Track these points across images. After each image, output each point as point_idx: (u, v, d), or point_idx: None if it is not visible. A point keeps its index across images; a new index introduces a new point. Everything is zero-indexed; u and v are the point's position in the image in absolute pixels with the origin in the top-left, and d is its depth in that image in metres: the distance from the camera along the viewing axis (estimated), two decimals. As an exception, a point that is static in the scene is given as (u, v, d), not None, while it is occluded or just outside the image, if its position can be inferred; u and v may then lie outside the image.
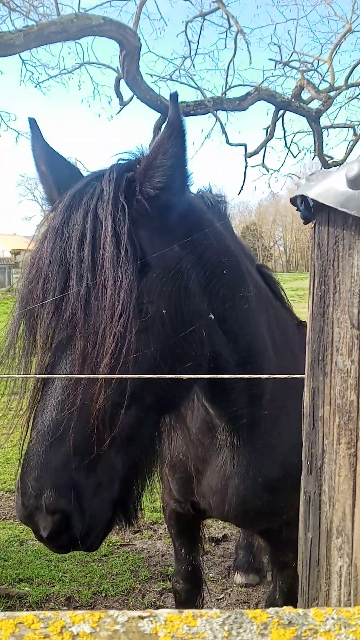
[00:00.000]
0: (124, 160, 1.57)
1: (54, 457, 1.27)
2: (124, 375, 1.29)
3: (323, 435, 0.67)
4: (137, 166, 1.51)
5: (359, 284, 0.67)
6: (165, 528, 4.52)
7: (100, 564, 3.98)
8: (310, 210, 0.71)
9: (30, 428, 1.36)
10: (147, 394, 1.42)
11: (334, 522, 0.65)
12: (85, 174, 1.60)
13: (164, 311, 1.44)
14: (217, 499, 2.19)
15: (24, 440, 1.37)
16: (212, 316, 1.64)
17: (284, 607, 0.49)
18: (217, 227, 1.74)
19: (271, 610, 0.50)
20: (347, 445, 0.66)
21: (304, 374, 2.36)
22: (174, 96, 1.43)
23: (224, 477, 2.14)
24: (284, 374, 2.11)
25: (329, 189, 0.70)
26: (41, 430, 1.30)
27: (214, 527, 4.57)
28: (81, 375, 1.27)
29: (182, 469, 2.26)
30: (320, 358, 0.70)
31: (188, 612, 0.47)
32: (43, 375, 1.34)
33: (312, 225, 0.73)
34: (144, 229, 1.44)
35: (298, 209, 0.74)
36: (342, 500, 0.64)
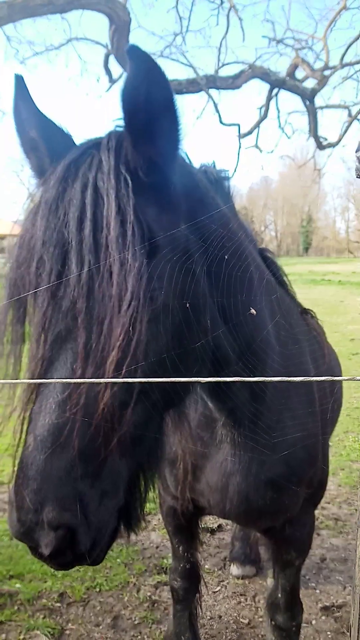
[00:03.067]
0: (121, 127, 1.39)
1: (55, 466, 1.12)
2: (129, 380, 1.13)
3: None
4: None
5: None
6: (159, 519, 4.42)
7: (93, 557, 3.88)
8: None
9: (24, 432, 1.20)
10: (154, 390, 1.27)
11: None
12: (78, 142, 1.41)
13: (172, 297, 1.28)
14: (217, 497, 2.07)
15: (18, 445, 1.21)
16: (253, 311, 1.46)
17: None
18: (221, 207, 1.59)
19: None
20: None
21: (309, 365, 2.22)
22: (132, 51, 1.18)
23: (225, 474, 2.02)
24: (289, 364, 1.99)
25: None
26: (40, 435, 1.14)
27: (208, 517, 4.49)
28: (84, 380, 1.11)
29: (180, 465, 2.13)
30: None
31: None
32: (39, 380, 1.17)
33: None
34: (149, 205, 1.27)
35: None
36: None
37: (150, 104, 1.22)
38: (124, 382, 1.12)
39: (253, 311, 1.57)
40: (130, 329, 1.15)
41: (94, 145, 1.32)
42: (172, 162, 1.33)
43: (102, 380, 1.11)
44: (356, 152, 0.57)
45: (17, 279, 1.24)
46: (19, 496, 1.13)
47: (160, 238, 1.25)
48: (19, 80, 1.36)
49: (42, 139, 1.39)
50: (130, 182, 1.21)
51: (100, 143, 1.30)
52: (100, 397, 1.14)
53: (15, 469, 1.17)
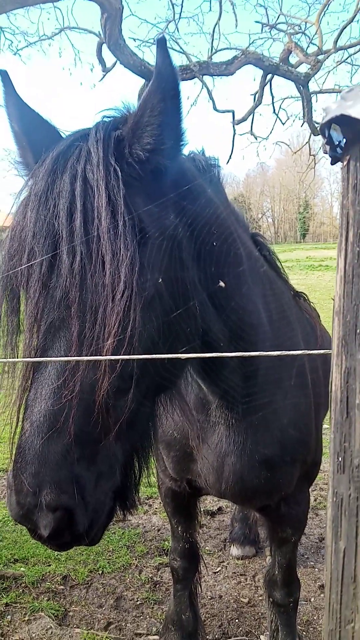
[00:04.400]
0: (109, 117, 1.41)
1: (52, 450, 1.16)
2: (131, 357, 1.17)
3: (363, 428, 0.57)
4: (124, 124, 1.35)
5: None
6: (160, 502, 4.50)
7: (95, 542, 3.95)
8: (335, 148, 0.59)
9: (21, 419, 1.24)
10: (147, 375, 1.32)
11: (376, 532, 0.56)
12: (65, 135, 1.44)
13: (163, 285, 1.32)
14: (213, 477, 2.13)
15: (14, 432, 1.25)
16: (222, 284, 1.53)
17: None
18: (209, 194, 1.62)
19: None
20: (395, 440, 0.56)
21: (301, 347, 2.27)
22: (162, 42, 1.24)
23: (220, 455, 2.07)
24: (281, 347, 2.04)
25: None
26: (36, 421, 1.18)
27: (208, 500, 4.56)
28: (86, 357, 1.16)
29: (177, 447, 2.19)
30: (358, 331, 0.59)
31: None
32: (42, 359, 1.21)
33: (344, 164, 0.61)
34: (139, 195, 1.30)
35: (331, 147, 0.61)
36: (388, 507, 0.55)
37: (171, 84, 1.29)
38: (119, 359, 1.16)
39: (222, 283, 1.60)
40: (124, 317, 1.19)
41: (81, 137, 1.34)
42: (171, 168, 1.37)
43: (99, 357, 1.15)
44: (321, 123, 0.59)
45: (10, 271, 1.27)
46: (18, 480, 1.17)
47: (149, 227, 1.28)
48: (4, 76, 1.38)
49: (23, 133, 1.42)
50: (120, 172, 1.24)
51: (87, 134, 1.33)
52: (98, 385, 1.17)
53: (13, 454, 1.21)
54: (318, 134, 10.60)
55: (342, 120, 0.58)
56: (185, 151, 1.68)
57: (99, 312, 1.18)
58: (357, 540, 0.56)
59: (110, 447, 1.25)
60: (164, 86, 1.28)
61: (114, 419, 1.22)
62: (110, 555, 3.80)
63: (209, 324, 1.58)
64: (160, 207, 1.35)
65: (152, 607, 3.26)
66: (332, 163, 0.63)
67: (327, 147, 0.61)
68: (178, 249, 1.38)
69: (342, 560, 0.57)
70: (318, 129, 0.59)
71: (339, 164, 0.61)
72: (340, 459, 0.57)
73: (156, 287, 1.30)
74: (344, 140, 0.59)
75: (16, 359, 1.30)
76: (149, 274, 1.27)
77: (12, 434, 1.26)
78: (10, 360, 1.29)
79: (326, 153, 0.62)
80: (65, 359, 1.18)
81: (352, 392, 0.57)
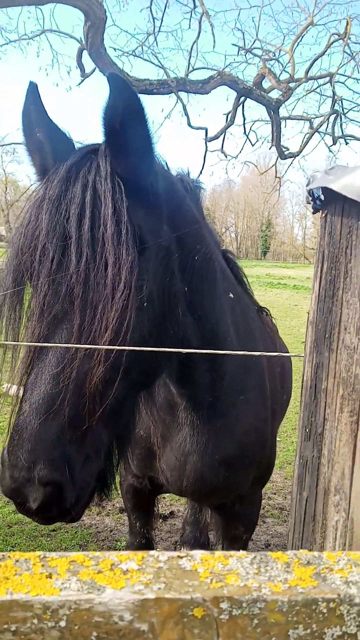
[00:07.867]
0: None
1: (48, 430, 1.28)
2: (125, 348, 1.32)
3: (325, 405, 0.74)
4: None
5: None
6: (113, 504, 4.59)
7: (49, 539, 4.01)
8: (316, 201, 0.77)
9: (19, 400, 1.35)
10: (135, 368, 1.46)
11: (332, 481, 0.73)
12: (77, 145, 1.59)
13: (154, 290, 1.48)
14: (175, 475, 2.26)
15: (13, 412, 1.36)
16: (231, 295, 1.64)
17: (301, 550, 0.56)
18: (194, 213, 1.79)
19: (290, 552, 0.57)
20: (350, 413, 0.74)
21: (263, 358, 2.44)
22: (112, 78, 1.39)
23: (183, 454, 2.21)
24: (245, 357, 2.22)
25: (353, 183, 0.76)
26: (35, 403, 1.30)
27: (161, 504, 4.67)
28: (87, 346, 1.29)
29: (142, 445, 2.32)
30: (326, 336, 0.77)
31: (219, 553, 0.53)
32: (48, 344, 1.34)
33: (322, 214, 0.79)
34: (138, 208, 1.45)
35: (313, 200, 0.79)
36: (342, 462, 0.72)
37: (126, 127, 1.44)
38: (114, 350, 1.31)
39: (231, 295, 1.77)
40: (121, 314, 1.33)
41: (93, 150, 1.50)
42: (147, 173, 1.53)
43: (97, 347, 1.29)
44: (306, 186, 0.77)
45: (21, 264, 1.40)
46: (13, 455, 1.27)
47: (147, 236, 1.44)
48: (33, 87, 1.52)
49: (48, 141, 1.55)
50: (123, 187, 1.40)
51: (98, 149, 1.49)
52: (92, 373, 1.31)
53: (10, 431, 1.32)
54: (285, 158, 11.04)
55: (324, 189, 0.77)
56: (173, 172, 1.85)
57: (99, 308, 1.32)
58: (317, 489, 0.73)
59: (97, 433, 1.38)
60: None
61: (103, 406, 1.35)
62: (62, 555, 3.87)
63: (187, 330, 1.75)
64: (156, 219, 1.51)
65: (103, 604, 3.36)
66: (313, 212, 0.81)
67: (311, 202, 0.80)
68: (169, 259, 1.54)
69: (304, 506, 0.73)
70: (306, 189, 0.76)
71: (319, 214, 0.80)
72: (307, 430, 0.74)
73: (149, 290, 1.45)
74: (323, 197, 0.77)
75: (20, 343, 1.42)
76: (145, 277, 1.42)
77: (10, 414, 1.37)
78: (15, 343, 1.41)
79: (309, 204, 0.80)
80: (66, 345, 1.31)
81: (319, 380, 0.76)
